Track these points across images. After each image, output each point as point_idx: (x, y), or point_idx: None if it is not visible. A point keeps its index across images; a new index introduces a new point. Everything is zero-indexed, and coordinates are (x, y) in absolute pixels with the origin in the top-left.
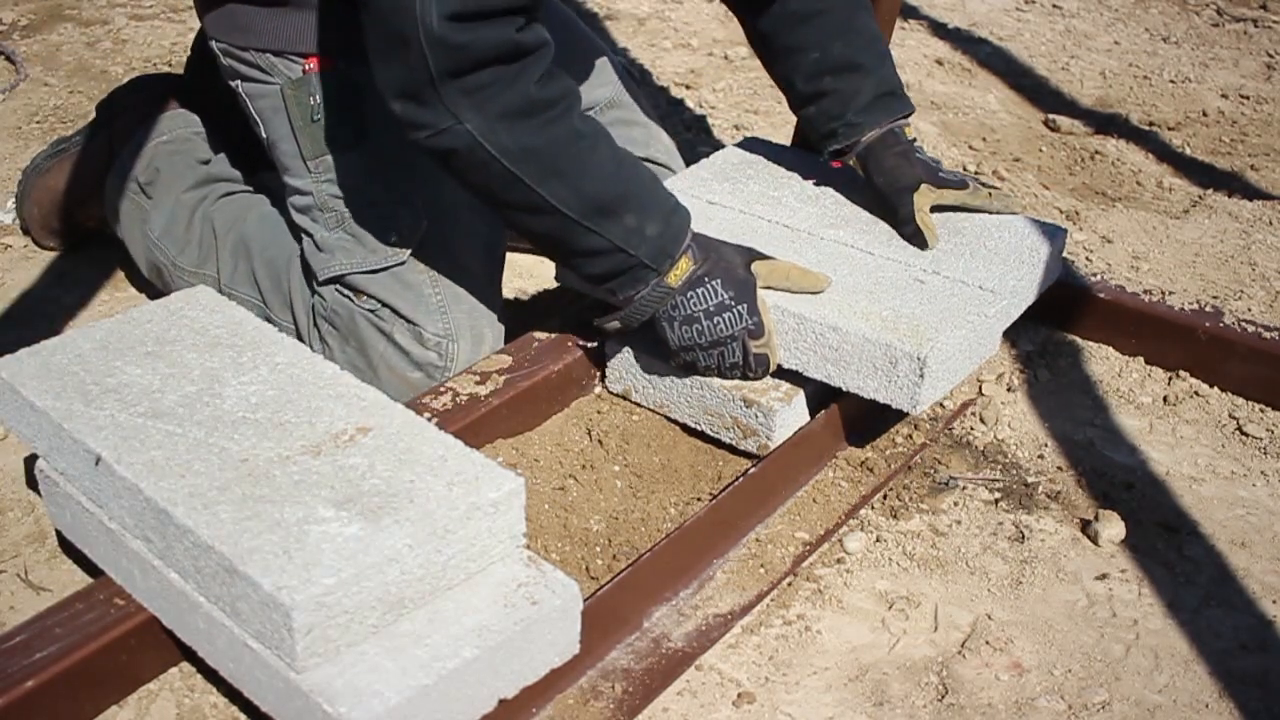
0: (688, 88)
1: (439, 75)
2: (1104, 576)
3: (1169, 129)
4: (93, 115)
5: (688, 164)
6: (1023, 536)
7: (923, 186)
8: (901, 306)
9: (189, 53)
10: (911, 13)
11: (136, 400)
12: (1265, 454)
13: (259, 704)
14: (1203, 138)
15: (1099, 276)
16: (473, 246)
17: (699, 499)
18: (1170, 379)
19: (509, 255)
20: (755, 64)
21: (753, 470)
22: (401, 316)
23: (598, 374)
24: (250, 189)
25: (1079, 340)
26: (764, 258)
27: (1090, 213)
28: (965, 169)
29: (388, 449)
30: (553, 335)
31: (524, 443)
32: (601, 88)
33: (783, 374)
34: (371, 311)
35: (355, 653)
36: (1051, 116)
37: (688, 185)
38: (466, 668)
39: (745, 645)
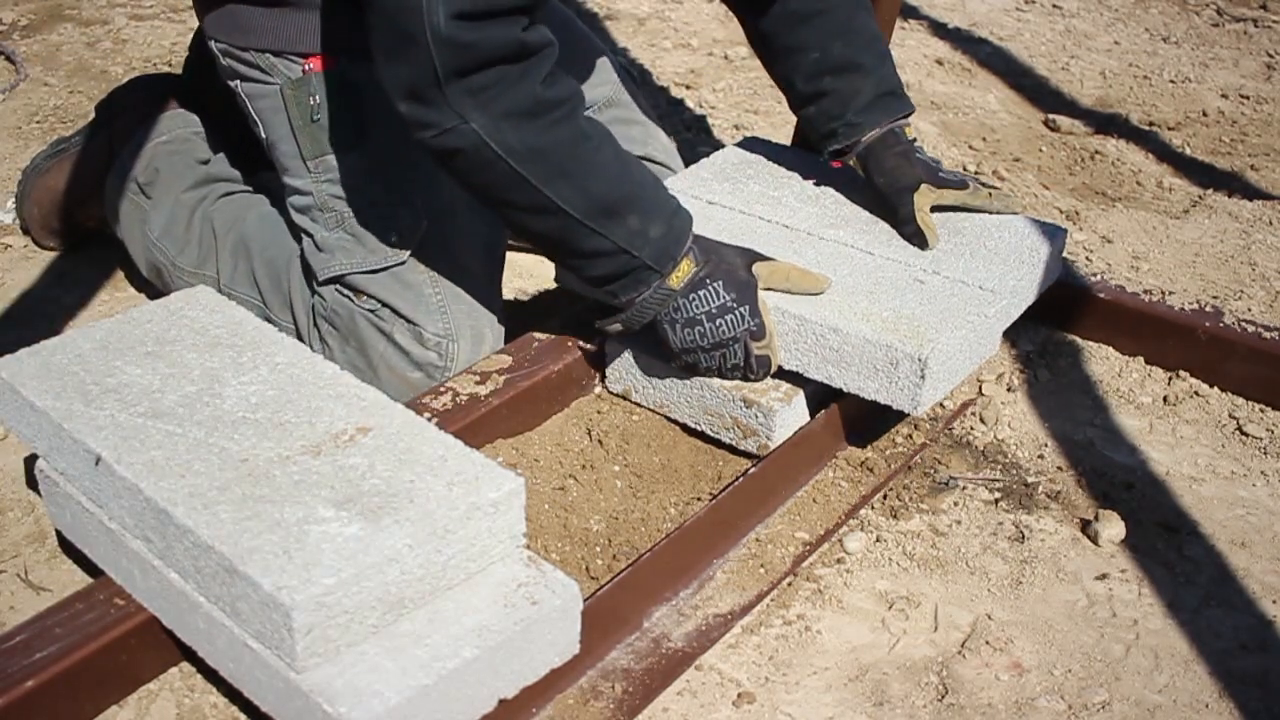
0: (688, 88)
1: (445, 74)
2: (1104, 576)
3: (1169, 129)
4: (93, 115)
5: (687, 164)
6: (1023, 536)
7: (923, 186)
8: (902, 307)
9: (188, 53)
10: (911, 13)
11: (136, 400)
12: (1265, 454)
13: (259, 704)
14: (1203, 138)
15: (1099, 276)
16: (473, 246)
17: (699, 499)
18: (1170, 379)
19: (509, 255)
20: (755, 64)
21: (753, 470)
22: (401, 316)
23: (598, 374)
24: (250, 189)
25: (1079, 340)
26: (764, 259)
27: (1090, 213)
28: (965, 169)
29: (388, 449)
30: (553, 335)
31: (524, 443)
32: (600, 87)
33: (783, 374)
34: (371, 311)
35: (355, 653)
36: (1051, 116)
37: (688, 185)
38: (466, 668)
39: (745, 645)
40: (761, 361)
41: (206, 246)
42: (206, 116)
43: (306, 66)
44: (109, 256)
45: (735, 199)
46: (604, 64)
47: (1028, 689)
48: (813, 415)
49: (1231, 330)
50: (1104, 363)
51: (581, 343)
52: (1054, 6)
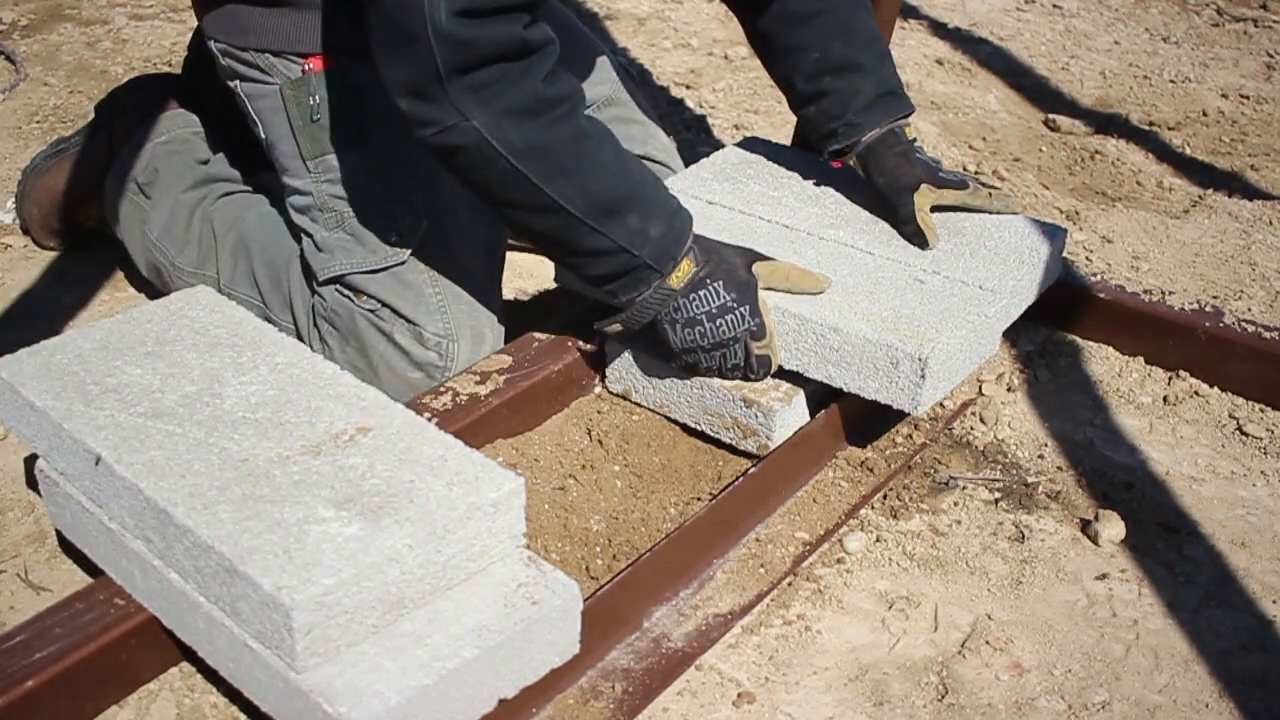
0: (688, 88)
1: (446, 72)
2: (1104, 576)
3: (1169, 129)
4: (93, 115)
5: (687, 164)
6: (1023, 536)
7: (923, 186)
8: (902, 307)
9: (187, 52)
10: (911, 13)
11: (136, 400)
12: (1265, 454)
13: (259, 704)
14: (1203, 138)
15: (1099, 276)
16: (473, 246)
17: (699, 499)
18: (1170, 379)
19: (509, 255)
20: (755, 64)
21: (753, 470)
22: (401, 316)
23: (598, 374)
24: (249, 189)
25: (1079, 340)
26: (765, 259)
27: (1090, 213)
28: (965, 169)
29: (388, 449)
30: (553, 335)
31: (524, 443)
32: (599, 86)
33: (783, 374)
34: (371, 311)
35: (355, 653)
36: (1051, 116)
37: (688, 185)
38: (466, 668)
39: (745, 645)
40: (762, 361)
41: (206, 246)
42: (206, 116)
43: (306, 66)
44: (109, 256)
45: (735, 199)
46: (603, 63)
47: (1028, 689)
48: (813, 415)
49: (1231, 330)
50: (1104, 363)
51: (581, 343)
52: (1054, 6)
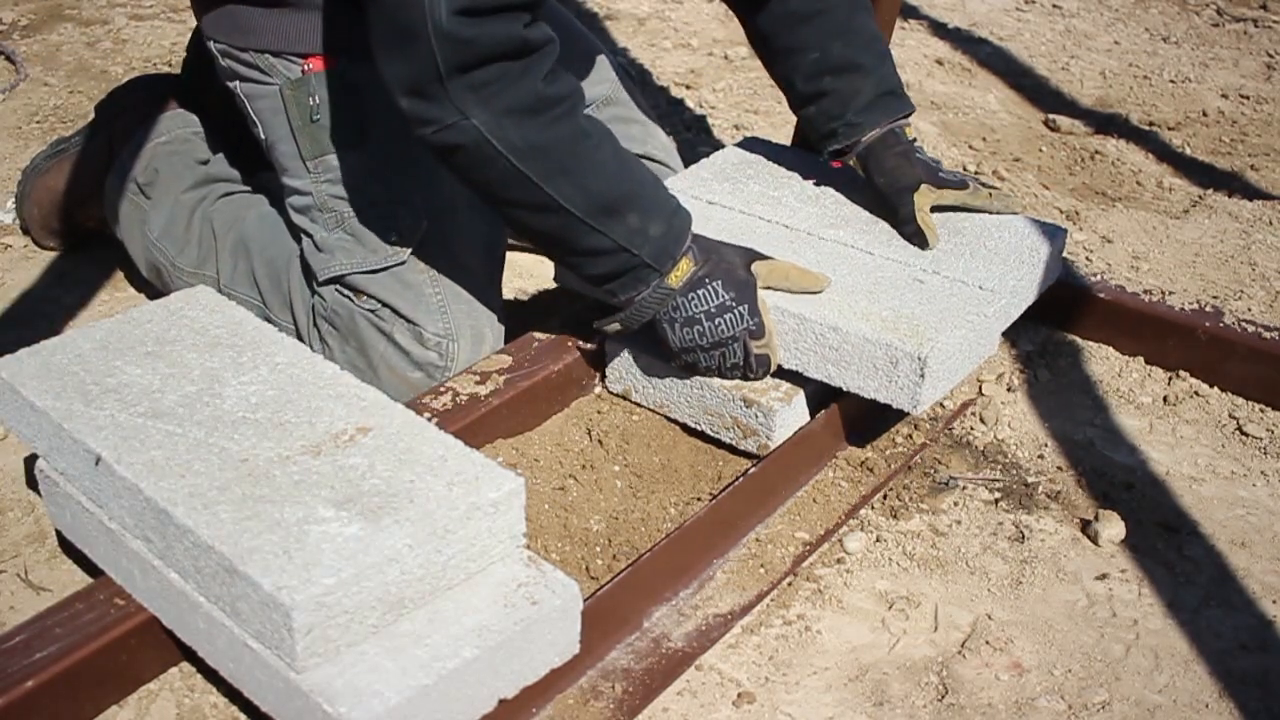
0: (688, 88)
1: (447, 70)
2: (1104, 576)
3: (1169, 129)
4: (93, 115)
5: (687, 164)
6: (1023, 536)
7: (923, 186)
8: (901, 306)
9: (186, 53)
10: (911, 13)
11: (136, 400)
12: (1265, 454)
13: (259, 704)
14: (1203, 138)
15: (1099, 276)
16: (473, 246)
17: (699, 499)
18: (1170, 379)
19: (509, 255)
20: (755, 64)
21: (753, 470)
22: (402, 316)
23: (598, 374)
24: (249, 189)
25: (1079, 340)
26: (764, 258)
27: (1090, 213)
28: (965, 169)
29: (388, 449)
30: (553, 335)
31: (524, 443)
32: (598, 85)
33: (783, 374)
34: (372, 311)
35: (355, 653)
36: (1051, 116)
37: (688, 185)
38: (466, 668)
39: (745, 645)
40: (761, 360)
41: (206, 246)
42: (206, 117)
43: (306, 66)
44: (109, 256)
45: (735, 199)
46: (602, 62)
47: (1028, 689)
48: (813, 415)
49: (1231, 330)
50: (1104, 363)
51: (581, 343)
52: (1054, 6)
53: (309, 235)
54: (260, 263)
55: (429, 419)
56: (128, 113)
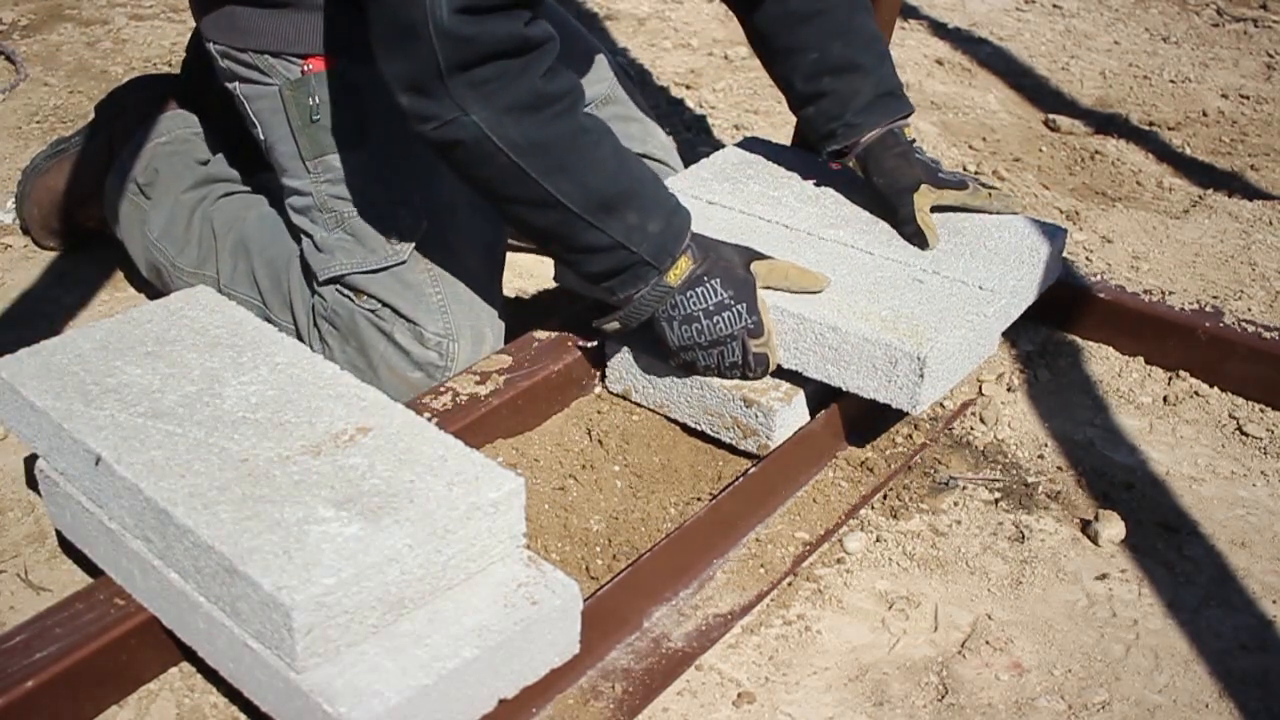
0: (688, 88)
1: (447, 68)
2: (1104, 576)
3: (1169, 129)
4: (93, 115)
5: (687, 164)
6: (1023, 536)
7: (923, 187)
8: (901, 306)
9: (185, 54)
10: (911, 13)
11: (136, 400)
12: (1265, 454)
13: (259, 704)
14: (1203, 138)
15: (1099, 276)
16: (473, 246)
17: (699, 499)
18: (1170, 379)
19: (509, 255)
20: (755, 64)
21: (753, 470)
22: (402, 316)
23: (598, 374)
24: (249, 189)
25: (1079, 340)
26: (763, 257)
27: (1090, 213)
28: (965, 169)
29: (388, 449)
30: (553, 335)
31: (524, 443)
32: (597, 84)
33: (782, 374)
34: (372, 311)
35: (355, 653)
36: (1051, 116)
37: (688, 185)
38: (466, 668)
39: (745, 645)
40: (759, 359)
41: (206, 247)
42: (205, 117)
43: (305, 67)
44: (109, 256)
45: (735, 199)
46: (600, 61)
47: (1028, 689)
48: (813, 415)
49: (1231, 330)
50: (1104, 363)
51: (581, 343)
52: (1054, 6)
53: (309, 235)
54: (260, 263)
55: (429, 419)
56: (128, 113)
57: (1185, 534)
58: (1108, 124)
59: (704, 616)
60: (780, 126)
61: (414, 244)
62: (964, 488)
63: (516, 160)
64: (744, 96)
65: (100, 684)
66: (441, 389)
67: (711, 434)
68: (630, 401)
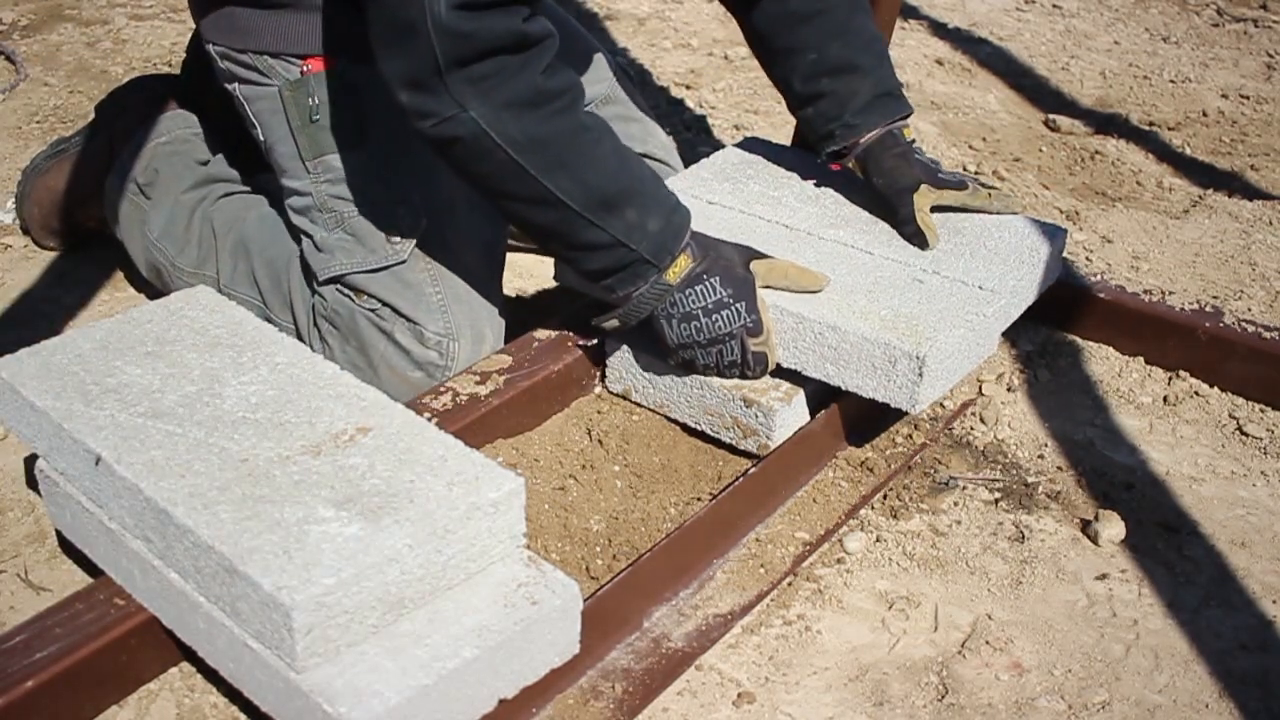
0: (688, 88)
1: (446, 64)
2: (1104, 576)
3: (1169, 129)
4: (93, 115)
5: (687, 164)
6: (1023, 536)
7: (922, 187)
8: (901, 306)
9: (185, 54)
10: (911, 13)
11: (136, 400)
12: (1265, 454)
13: (259, 704)
14: (1203, 138)
15: (1099, 276)
16: (473, 245)
17: (699, 499)
18: (1170, 379)
19: (509, 255)
20: (755, 64)
21: (753, 470)
22: (402, 316)
23: (598, 374)
24: (249, 189)
25: (1079, 340)
26: (763, 256)
27: (1090, 213)
28: (965, 169)
29: (388, 449)
30: (553, 335)
31: (524, 443)
32: (597, 84)
33: (782, 373)
34: (372, 311)
35: (355, 653)
36: (1051, 116)
37: (688, 185)
38: (466, 668)
39: (745, 645)
40: (759, 358)
41: (206, 247)
42: (205, 117)
43: (305, 68)
44: (109, 256)
45: (735, 199)
46: (599, 61)
47: (1028, 689)
48: (813, 415)
49: (1231, 330)
50: (1104, 363)
51: (581, 342)
52: (1054, 6)
53: (309, 235)
54: (260, 263)
55: (429, 419)
56: (128, 113)
57: (1185, 534)
58: (1108, 124)
59: (704, 616)
60: (780, 126)
61: (414, 243)
62: (964, 488)
63: (515, 157)
64: (744, 96)
65: (100, 684)
66: (441, 389)
67: (711, 434)
68: (630, 401)
